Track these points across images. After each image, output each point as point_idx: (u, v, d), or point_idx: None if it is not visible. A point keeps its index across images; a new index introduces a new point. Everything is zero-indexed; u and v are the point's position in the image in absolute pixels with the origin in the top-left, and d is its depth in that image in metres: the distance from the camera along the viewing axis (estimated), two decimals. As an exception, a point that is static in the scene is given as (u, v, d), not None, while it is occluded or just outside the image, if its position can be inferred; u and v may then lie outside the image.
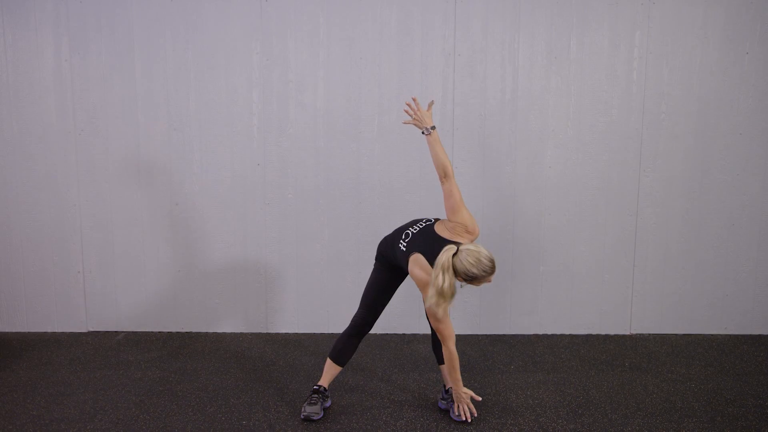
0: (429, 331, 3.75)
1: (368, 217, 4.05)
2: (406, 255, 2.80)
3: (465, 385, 3.34)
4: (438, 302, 2.62)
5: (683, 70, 3.94)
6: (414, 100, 2.95)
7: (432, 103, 3.00)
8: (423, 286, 2.74)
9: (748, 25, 3.90)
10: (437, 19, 3.91)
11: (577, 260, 4.09)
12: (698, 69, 3.94)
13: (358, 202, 4.05)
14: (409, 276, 2.89)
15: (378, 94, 3.97)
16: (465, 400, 2.92)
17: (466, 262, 2.60)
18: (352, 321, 3.03)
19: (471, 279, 2.65)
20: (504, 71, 3.95)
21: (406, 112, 2.96)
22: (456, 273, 2.64)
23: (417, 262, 2.76)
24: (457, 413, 2.94)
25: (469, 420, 2.92)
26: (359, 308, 3.03)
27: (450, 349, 2.81)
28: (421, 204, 4.00)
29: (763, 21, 3.90)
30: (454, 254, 2.63)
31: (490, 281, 2.71)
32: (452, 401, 3.03)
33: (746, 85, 3.94)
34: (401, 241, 2.87)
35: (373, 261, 3.63)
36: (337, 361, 3.06)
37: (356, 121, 3.99)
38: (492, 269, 2.65)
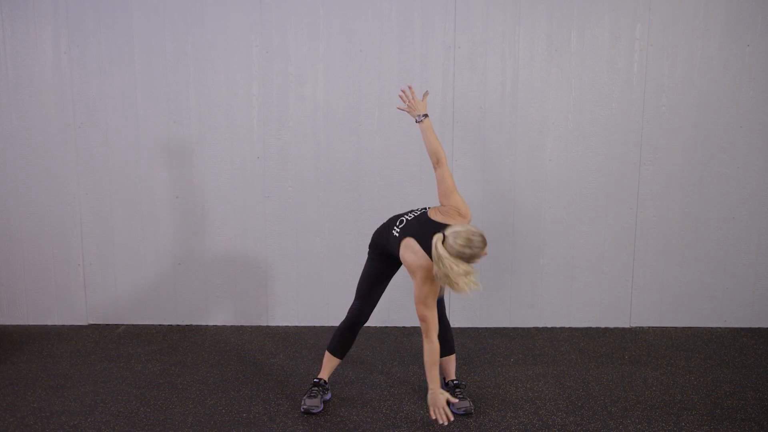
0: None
1: (368, 209, 4.04)
2: (399, 240, 2.80)
3: (464, 379, 3.35)
4: (465, 282, 2.57)
5: (684, 62, 3.93)
6: (410, 87, 3.00)
7: (427, 93, 3.07)
8: (413, 271, 2.73)
9: (749, 17, 3.88)
10: (437, 11, 3.89)
11: (577, 253, 4.09)
12: (699, 62, 3.93)
13: (358, 195, 4.05)
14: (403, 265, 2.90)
15: (378, 86, 3.96)
16: (442, 403, 2.71)
17: (456, 245, 2.57)
18: (348, 313, 3.04)
19: (467, 258, 2.61)
20: (504, 64, 3.94)
21: (401, 98, 3.00)
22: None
23: (408, 246, 2.75)
24: (433, 417, 2.72)
25: (446, 423, 2.71)
26: (355, 300, 3.04)
27: (433, 340, 2.74)
28: (421, 196, 4.00)
29: (765, 13, 3.88)
30: (443, 241, 2.61)
31: (485, 254, 2.66)
32: (452, 394, 3.03)
33: (747, 77, 3.93)
34: (395, 228, 2.87)
35: None
36: (335, 353, 3.07)
37: (356, 113, 3.98)
38: (484, 242, 2.61)
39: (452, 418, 2.72)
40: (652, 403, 3.10)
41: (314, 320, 4.18)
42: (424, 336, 2.77)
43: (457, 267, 2.56)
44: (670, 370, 3.50)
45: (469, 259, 2.61)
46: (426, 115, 2.93)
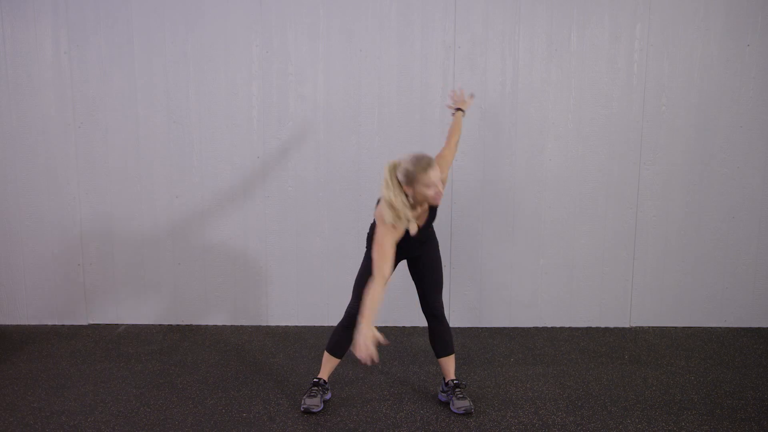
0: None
1: (368, 209, 4.04)
2: (375, 207, 2.85)
3: (464, 378, 3.35)
4: (393, 216, 2.67)
5: (684, 62, 3.93)
6: (460, 90, 3.41)
7: (472, 96, 3.47)
8: (379, 220, 2.74)
9: (749, 17, 3.88)
10: (437, 11, 3.89)
11: (577, 253, 4.09)
12: (699, 61, 3.93)
13: (359, 194, 4.05)
14: (401, 264, 2.90)
15: (378, 86, 3.96)
16: (367, 339, 2.41)
17: (402, 164, 2.68)
18: (345, 312, 3.02)
19: (412, 179, 2.66)
20: (504, 64, 3.94)
21: (450, 96, 3.39)
22: (400, 184, 2.70)
23: (379, 206, 2.78)
24: (358, 355, 2.40)
25: (369, 363, 2.39)
26: (352, 299, 3.01)
27: (377, 283, 2.59)
28: (421, 197, 4.00)
29: (764, 13, 3.88)
30: (393, 166, 2.73)
31: (433, 179, 2.65)
32: (452, 394, 3.03)
33: (747, 77, 3.93)
34: (378, 204, 2.88)
35: None
36: (334, 353, 3.06)
37: (356, 113, 3.98)
38: (429, 164, 2.66)
39: (377, 360, 2.43)
40: (652, 403, 3.10)
41: (314, 320, 4.18)
42: (372, 279, 2.63)
43: (387, 192, 2.67)
44: (669, 369, 3.50)
45: (413, 181, 2.66)
46: (460, 110, 3.29)
